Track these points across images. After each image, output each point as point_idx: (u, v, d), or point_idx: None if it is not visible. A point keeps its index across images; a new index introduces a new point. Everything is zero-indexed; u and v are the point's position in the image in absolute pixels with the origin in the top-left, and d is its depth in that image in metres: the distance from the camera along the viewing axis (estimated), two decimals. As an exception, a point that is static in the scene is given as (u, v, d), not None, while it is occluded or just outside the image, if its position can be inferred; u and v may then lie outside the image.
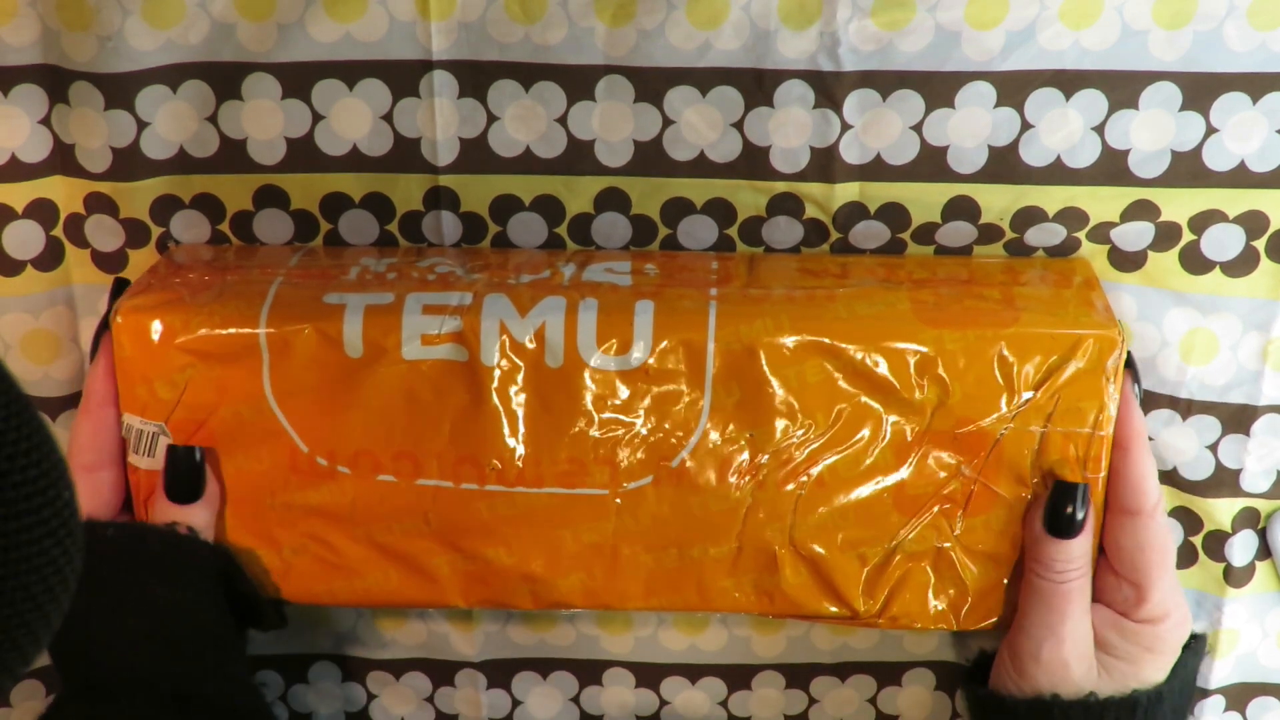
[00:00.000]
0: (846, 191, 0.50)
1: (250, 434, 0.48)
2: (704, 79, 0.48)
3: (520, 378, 0.47)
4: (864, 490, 0.48)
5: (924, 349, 0.46)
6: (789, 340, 0.46)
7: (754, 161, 0.50)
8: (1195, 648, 0.49)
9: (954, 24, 0.47)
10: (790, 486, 0.48)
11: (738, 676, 0.60)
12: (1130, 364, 0.47)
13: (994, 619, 0.50)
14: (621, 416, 0.47)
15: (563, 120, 0.50)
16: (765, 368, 0.47)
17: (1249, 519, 0.54)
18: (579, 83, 0.49)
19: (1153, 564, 0.47)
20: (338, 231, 0.52)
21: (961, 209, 0.50)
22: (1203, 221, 0.50)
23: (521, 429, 0.47)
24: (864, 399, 0.47)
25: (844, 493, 0.48)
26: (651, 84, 0.49)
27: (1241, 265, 0.50)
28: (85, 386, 0.49)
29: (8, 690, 0.59)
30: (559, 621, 0.59)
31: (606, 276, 0.49)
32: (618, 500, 0.48)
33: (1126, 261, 0.51)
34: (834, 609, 0.49)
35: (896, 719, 0.60)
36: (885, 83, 0.48)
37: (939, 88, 0.48)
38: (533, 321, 0.46)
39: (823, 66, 0.48)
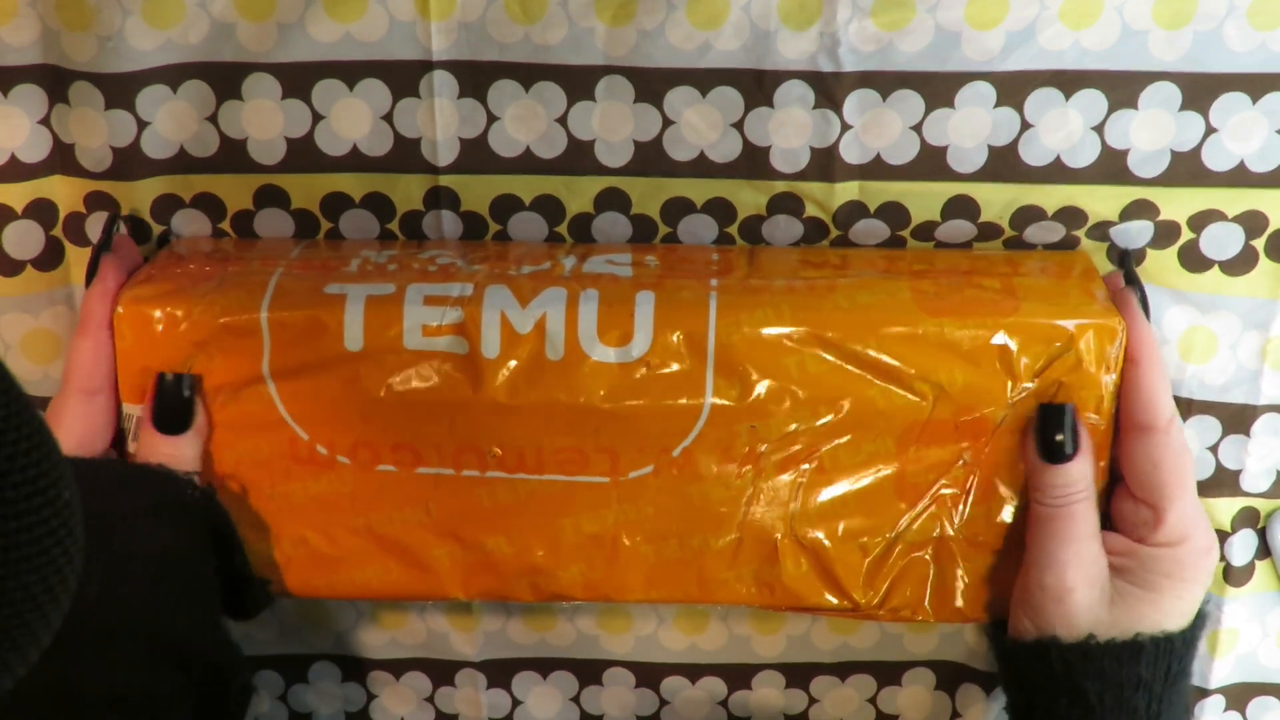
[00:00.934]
0: (846, 191, 0.50)
1: (250, 423, 0.48)
2: (704, 79, 0.48)
3: (521, 369, 0.47)
4: (865, 479, 0.48)
5: (925, 338, 0.46)
6: (790, 330, 0.46)
7: (754, 161, 0.50)
8: (1205, 612, 0.47)
9: (954, 24, 0.47)
10: (790, 475, 0.48)
11: (738, 676, 0.60)
12: (1134, 279, 0.47)
13: (995, 610, 0.50)
14: (621, 408, 0.47)
15: (563, 120, 0.50)
16: (766, 358, 0.47)
17: (1249, 519, 0.54)
18: (579, 83, 0.49)
19: (1168, 483, 0.45)
20: (338, 231, 0.52)
21: (961, 208, 0.50)
22: (1202, 221, 0.50)
23: (521, 419, 0.47)
24: (864, 389, 0.47)
25: (845, 481, 0.48)
26: (651, 84, 0.49)
27: (1241, 264, 0.50)
28: (83, 307, 0.48)
29: (7, 690, 0.59)
30: (559, 620, 0.59)
31: (607, 268, 0.49)
32: (618, 489, 0.48)
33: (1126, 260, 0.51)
34: (835, 600, 0.49)
35: (896, 719, 0.60)
36: (885, 83, 0.48)
37: (939, 88, 0.48)
38: (533, 313, 0.46)
39: (823, 67, 0.48)
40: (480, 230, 0.52)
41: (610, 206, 0.51)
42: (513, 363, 0.47)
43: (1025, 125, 0.48)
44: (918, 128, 0.49)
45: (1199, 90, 0.48)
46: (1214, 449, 0.53)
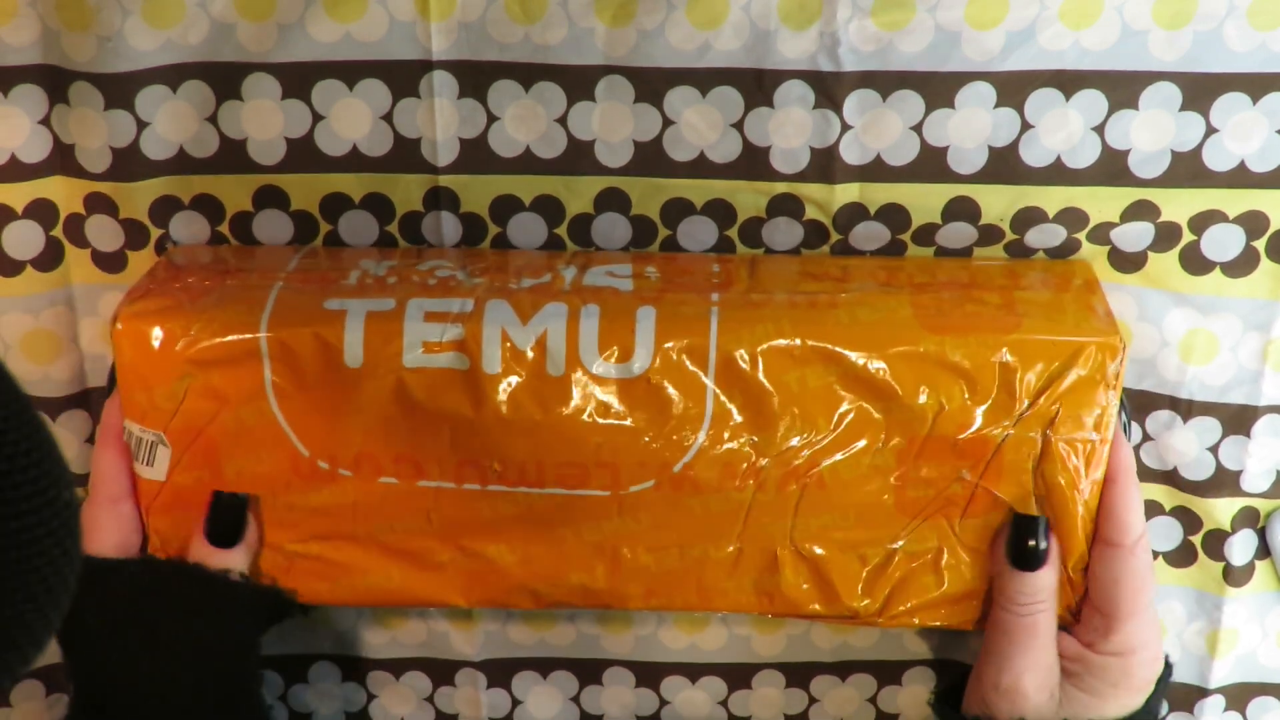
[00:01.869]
0: (846, 192, 0.50)
1: (251, 438, 0.48)
2: (704, 79, 0.48)
3: (522, 386, 0.47)
4: (865, 493, 0.48)
5: (926, 355, 0.46)
6: (791, 345, 0.46)
7: (754, 162, 0.50)
8: (1160, 685, 0.49)
9: (954, 24, 0.47)
10: (791, 488, 0.48)
11: (738, 676, 0.60)
12: (1121, 401, 0.47)
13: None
14: (623, 424, 0.47)
15: (563, 120, 0.50)
16: (767, 373, 0.47)
17: (1249, 518, 0.54)
18: (579, 83, 0.49)
19: (1125, 598, 0.47)
20: (337, 232, 0.52)
21: (961, 210, 0.50)
22: (1203, 222, 0.50)
23: (522, 437, 0.47)
24: (865, 404, 0.47)
25: (845, 495, 0.48)
26: (651, 84, 0.49)
27: (1242, 265, 0.50)
28: (102, 418, 0.50)
29: (7, 690, 0.59)
30: (559, 621, 0.59)
31: (608, 280, 0.49)
32: (619, 502, 0.48)
33: (1126, 262, 0.51)
34: (834, 609, 0.49)
35: (896, 718, 0.60)
36: (885, 83, 0.48)
37: (939, 88, 0.48)
38: (534, 329, 0.46)
39: (823, 67, 0.48)
40: (480, 231, 0.52)
41: (610, 207, 0.51)
42: (514, 379, 0.47)
43: (1025, 126, 0.48)
44: (918, 128, 0.49)
45: (1199, 90, 0.48)
46: (1214, 449, 0.53)
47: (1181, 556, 0.55)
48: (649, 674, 0.60)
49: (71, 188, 0.51)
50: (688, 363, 0.46)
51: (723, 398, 0.47)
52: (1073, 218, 0.50)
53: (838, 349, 0.46)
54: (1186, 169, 0.49)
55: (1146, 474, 0.54)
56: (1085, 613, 0.49)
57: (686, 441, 0.47)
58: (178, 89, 0.49)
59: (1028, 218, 0.50)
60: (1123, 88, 0.48)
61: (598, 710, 0.61)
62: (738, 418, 0.47)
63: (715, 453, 0.47)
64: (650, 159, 0.50)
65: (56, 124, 0.50)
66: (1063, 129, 0.48)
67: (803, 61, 0.48)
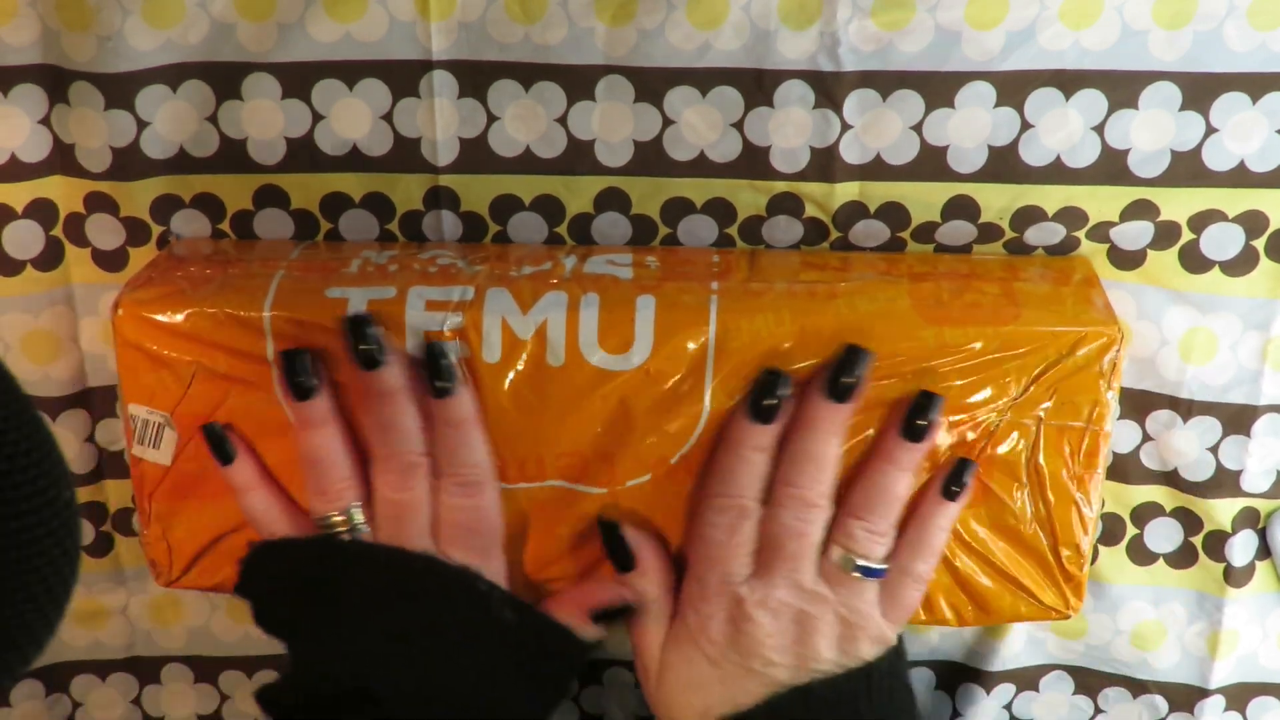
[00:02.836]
0: (846, 191, 0.50)
1: (258, 427, 0.48)
2: (704, 79, 0.48)
3: (522, 376, 0.47)
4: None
5: (924, 345, 0.46)
6: (790, 336, 0.46)
7: (754, 161, 0.50)
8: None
9: (954, 24, 0.47)
10: None
11: (738, 676, 0.60)
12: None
13: (987, 614, 0.50)
14: (622, 415, 0.47)
15: (563, 120, 0.50)
16: (766, 363, 0.47)
17: (1249, 519, 0.54)
18: (579, 83, 0.49)
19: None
20: (338, 231, 0.52)
21: (961, 208, 0.50)
22: (1202, 221, 0.50)
23: (522, 426, 0.47)
24: (862, 394, 0.47)
25: (842, 485, 0.48)
26: (651, 84, 0.49)
27: (1241, 265, 0.50)
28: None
29: (7, 690, 0.59)
30: (559, 621, 0.59)
31: (608, 269, 0.49)
32: (616, 498, 0.48)
33: (1125, 260, 0.51)
34: None
35: (896, 719, 0.60)
36: (885, 83, 0.48)
37: (939, 88, 0.48)
38: (534, 318, 0.46)
39: (823, 66, 0.48)
40: (480, 230, 0.52)
41: (610, 206, 0.51)
42: (514, 369, 0.47)
43: (1025, 125, 0.48)
44: (918, 128, 0.49)
45: (1199, 90, 0.48)
46: (1214, 449, 0.53)
47: (1182, 558, 0.55)
48: (649, 674, 0.60)
49: (71, 187, 0.51)
50: (686, 352, 0.46)
51: (721, 388, 0.47)
52: (1072, 216, 0.50)
53: (836, 340, 0.46)
54: (1186, 168, 0.49)
55: (1147, 475, 0.54)
56: None
57: (684, 433, 0.47)
58: (178, 89, 0.49)
59: (1027, 216, 0.50)
60: (1123, 87, 0.48)
61: (597, 710, 0.61)
62: (736, 408, 0.47)
63: (712, 444, 0.47)
64: (650, 159, 0.50)
65: (56, 124, 0.50)
66: (1062, 128, 0.48)
67: (803, 61, 0.48)
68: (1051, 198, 0.50)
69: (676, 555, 0.49)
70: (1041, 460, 0.47)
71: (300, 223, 0.52)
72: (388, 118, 0.50)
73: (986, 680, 0.58)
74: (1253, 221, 0.50)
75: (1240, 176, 0.49)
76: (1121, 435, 0.53)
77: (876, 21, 0.47)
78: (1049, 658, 0.58)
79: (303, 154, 0.50)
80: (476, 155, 0.50)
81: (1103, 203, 0.50)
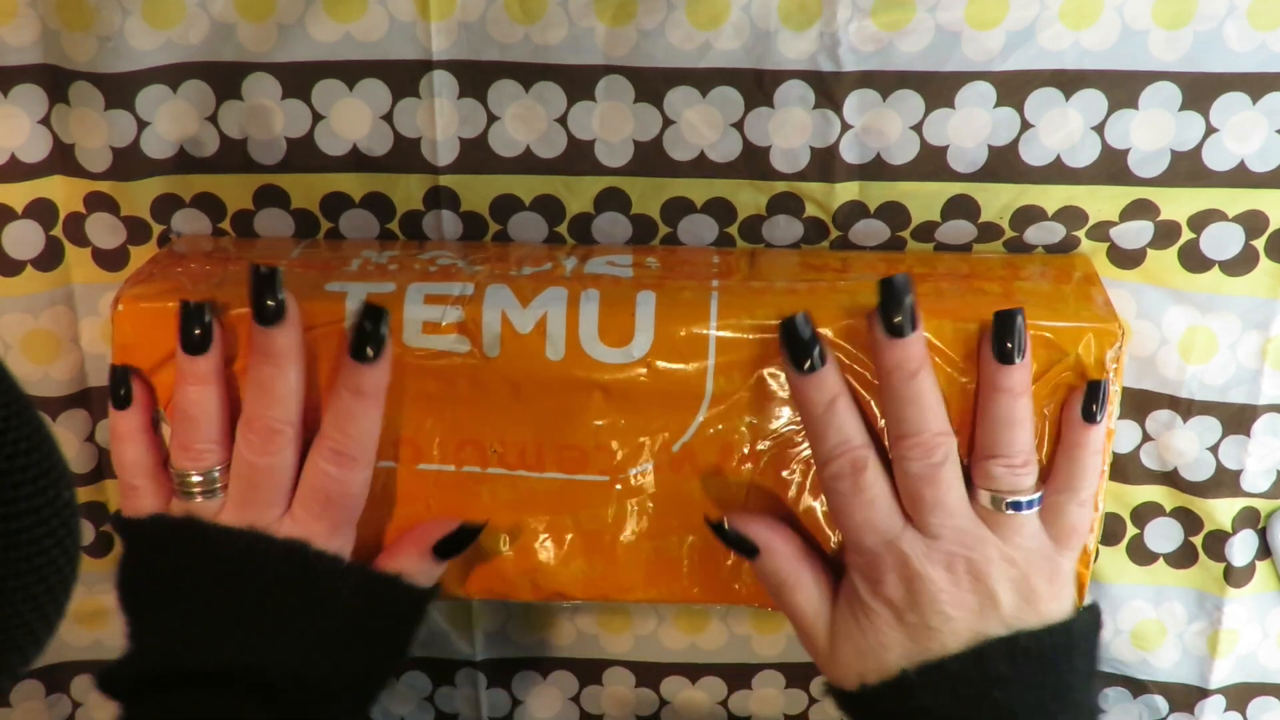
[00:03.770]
0: (846, 191, 0.50)
1: None
2: (704, 79, 0.48)
3: (522, 369, 0.47)
4: None
5: (926, 339, 0.46)
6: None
7: (754, 161, 0.50)
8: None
9: (954, 24, 0.47)
10: (789, 472, 0.48)
11: (738, 676, 0.60)
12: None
13: None
14: (622, 408, 0.47)
15: (563, 120, 0.50)
16: (765, 357, 0.47)
17: (1249, 519, 0.54)
18: (579, 83, 0.49)
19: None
20: (338, 231, 0.52)
21: (961, 208, 0.50)
22: (1202, 221, 0.50)
23: (522, 418, 0.47)
24: (863, 389, 0.47)
25: None
26: (651, 84, 0.49)
27: (1241, 264, 0.50)
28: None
29: (7, 690, 0.59)
30: (559, 620, 0.59)
31: (608, 269, 0.49)
32: (618, 486, 0.48)
33: (1125, 259, 0.51)
34: None
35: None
36: (885, 83, 0.48)
37: (939, 88, 0.48)
38: (534, 313, 0.46)
39: (823, 67, 0.48)
40: (480, 230, 0.52)
41: (610, 206, 0.51)
42: (514, 362, 0.47)
43: (1025, 125, 0.48)
44: (918, 128, 0.49)
45: (1199, 90, 0.48)
46: (1214, 449, 0.53)
47: (1182, 557, 0.55)
48: (649, 674, 0.60)
49: (71, 187, 0.51)
50: (687, 347, 0.46)
51: (721, 381, 0.47)
52: (1072, 216, 0.50)
53: (836, 334, 0.46)
54: (1186, 168, 0.49)
55: (1146, 475, 0.54)
56: None
57: (684, 423, 0.47)
58: (178, 89, 0.49)
59: (1027, 216, 0.50)
60: (1123, 87, 0.48)
61: (598, 710, 0.61)
62: (735, 400, 0.47)
63: (713, 434, 0.47)
64: (650, 159, 0.50)
65: (56, 124, 0.50)
66: (1062, 128, 0.48)
67: (803, 62, 0.48)
68: (1051, 197, 0.50)
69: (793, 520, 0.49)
70: (1044, 455, 0.47)
71: (300, 222, 0.52)
72: (388, 118, 0.50)
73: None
74: (1252, 221, 0.50)
75: (1240, 176, 0.49)
76: (1121, 435, 0.53)
77: (876, 22, 0.47)
78: (1049, 657, 0.58)
79: (303, 154, 0.50)
80: (476, 155, 0.50)
81: (1103, 202, 0.50)
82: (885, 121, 0.49)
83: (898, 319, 0.44)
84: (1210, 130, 0.48)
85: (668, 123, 0.49)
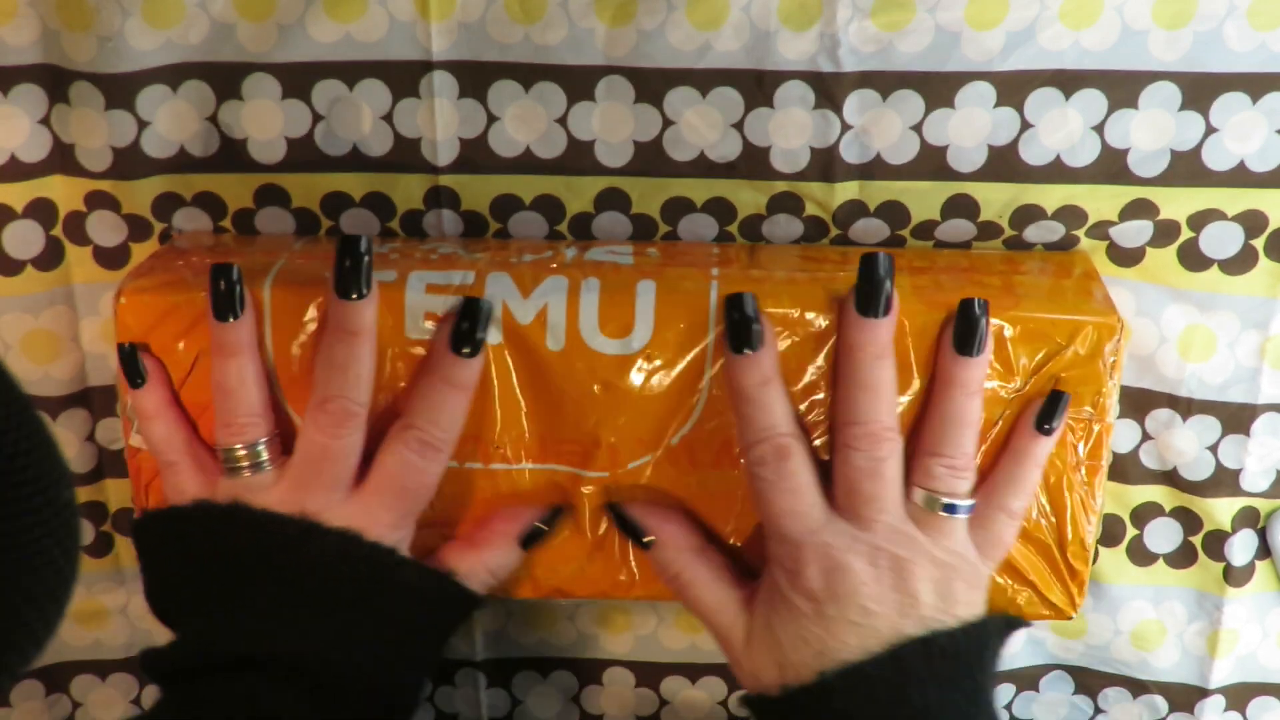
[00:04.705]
0: (846, 190, 0.50)
1: None
2: (704, 80, 0.48)
3: (522, 360, 0.47)
4: None
5: (924, 330, 0.46)
6: (789, 316, 0.46)
7: (754, 162, 0.50)
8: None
9: (954, 24, 0.47)
10: None
11: (738, 676, 0.60)
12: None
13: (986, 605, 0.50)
14: (623, 400, 0.47)
15: (563, 120, 0.50)
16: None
17: (1249, 519, 0.54)
18: (579, 83, 0.49)
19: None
20: (339, 230, 0.52)
21: (961, 207, 0.50)
22: (1201, 220, 0.50)
23: (523, 410, 0.47)
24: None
25: None
26: (651, 84, 0.49)
27: (1240, 263, 0.51)
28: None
29: (7, 690, 0.59)
30: (559, 620, 0.59)
31: (609, 256, 0.49)
32: (617, 480, 0.48)
33: (1124, 257, 0.51)
34: None
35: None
36: (885, 83, 0.48)
37: (939, 88, 0.48)
38: (535, 303, 0.46)
39: (823, 67, 0.48)
40: (480, 230, 0.52)
41: (610, 206, 0.51)
42: (514, 353, 0.47)
43: (1025, 125, 0.48)
44: (918, 128, 0.49)
45: (1199, 90, 0.48)
46: (1214, 449, 0.53)
47: (1182, 557, 0.55)
48: (649, 674, 0.60)
49: (72, 187, 0.51)
50: (686, 337, 0.46)
51: (721, 372, 0.47)
52: (1072, 215, 0.50)
53: (836, 325, 0.46)
54: (1186, 168, 0.49)
55: (1146, 475, 0.54)
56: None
57: (684, 415, 0.47)
58: (178, 89, 0.49)
59: (1027, 215, 0.50)
60: (1122, 87, 0.48)
61: (598, 710, 0.61)
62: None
63: (712, 427, 0.47)
64: (650, 159, 0.50)
65: (56, 124, 0.50)
66: (1062, 128, 0.48)
67: (803, 62, 0.48)
68: (1051, 197, 0.50)
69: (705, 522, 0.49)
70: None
71: (301, 221, 0.52)
72: (388, 118, 0.50)
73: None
74: (1252, 221, 0.50)
75: (1240, 176, 0.49)
76: (1121, 434, 0.54)
77: (876, 22, 0.47)
78: (1049, 658, 0.58)
79: (303, 154, 0.50)
80: (476, 155, 0.50)
81: (1102, 202, 0.50)
82: (885, 121, 0.49)
83: (872, 297, 0.44)
84: (1210, 130, 0.48)
85: (668, 123, 0.49)
